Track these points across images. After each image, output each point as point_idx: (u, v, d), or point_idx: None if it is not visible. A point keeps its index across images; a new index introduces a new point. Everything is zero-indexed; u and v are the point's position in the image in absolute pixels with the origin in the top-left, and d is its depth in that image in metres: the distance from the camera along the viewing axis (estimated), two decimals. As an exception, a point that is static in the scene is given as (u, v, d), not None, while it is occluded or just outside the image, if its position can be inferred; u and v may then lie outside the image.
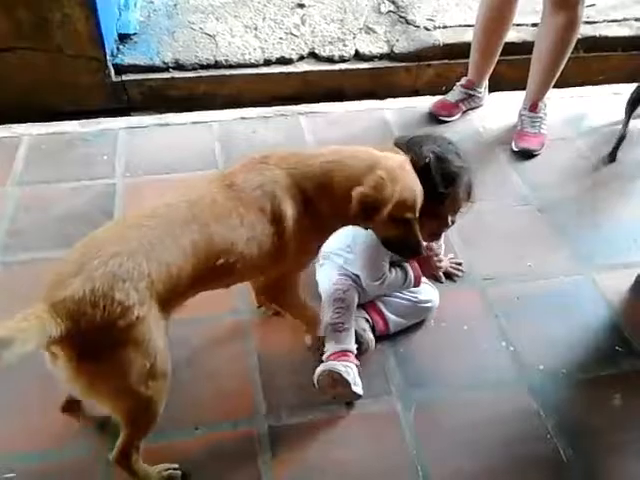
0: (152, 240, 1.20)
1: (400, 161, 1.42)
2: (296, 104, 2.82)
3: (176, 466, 1.45)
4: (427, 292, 1.83)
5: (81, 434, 1.53)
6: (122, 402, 1.24)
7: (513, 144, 2.56)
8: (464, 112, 2.76)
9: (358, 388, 1.60)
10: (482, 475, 1.50)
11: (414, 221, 1.42)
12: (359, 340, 1.68)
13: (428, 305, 1.82)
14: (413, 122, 2.71)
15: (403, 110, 2.79)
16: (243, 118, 2.69)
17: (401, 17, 3.37)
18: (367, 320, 1.75)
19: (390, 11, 3.41)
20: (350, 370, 1.59)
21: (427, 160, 1.54)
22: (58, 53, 2.72)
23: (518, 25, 3.04)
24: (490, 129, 2.69)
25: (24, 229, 2.09)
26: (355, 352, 1.65)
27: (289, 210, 1.35)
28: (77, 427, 1.53)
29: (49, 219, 2.13)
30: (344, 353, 1.63)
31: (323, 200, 1.38)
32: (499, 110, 2.79)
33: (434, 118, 2.72)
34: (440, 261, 1.94)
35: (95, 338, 1.11)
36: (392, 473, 1.51)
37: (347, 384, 1.57)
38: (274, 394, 1.64)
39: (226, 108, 2.78)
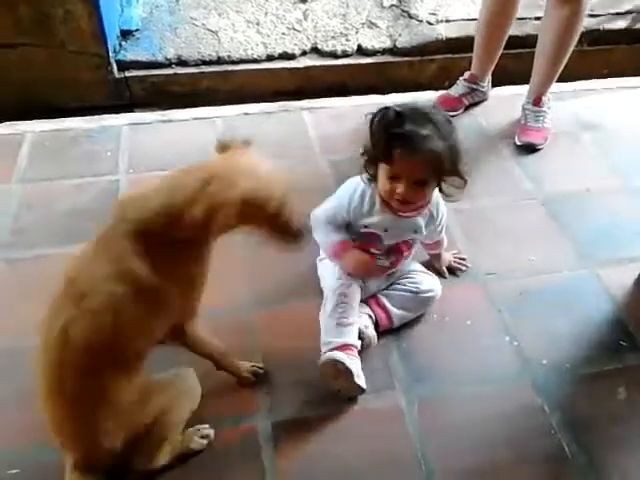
0: None
1: (237, 162, 1.34)
2: (299, 99, 2.81)
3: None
4: (428, 282, 1.83)
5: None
6: None
7: (516, 138, 2.55)
8: (467, 107, 2.75)
9: (362, 381, 1.60)
10: (487, 470, 1.50)
11: (280, 214, 1.33)
12: (361, 336, 1.67)
13: (430, 295, 1.82)
14: (416, 117, 2.69)
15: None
16: (246, 114, 2.68)
17: (404, 11, 3.36)
18: (370, 316, 1.75)
19: (393, 5, 3.40)
20: (354, 362, 1.59)
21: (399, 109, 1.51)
22: (60, 49, 2.73)
23: (521, 19, 3.01)
24: (493, 123, 2.68)
25: (28, 226, 2.09)
26: (358, 347, 1.65)
27: (149, 277, 1.25)
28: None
29: (53, 216, 2.13)
30: (348, 347, 1.62)
31: (177, 236, 1.28)
32: (502, 104, 2.77)
33: (437, 113, 2.71)
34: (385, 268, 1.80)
35: None
36: (395, 468, 1.51)
37: (351, 374, 1.57)
38: (277, 390, 1.65)
39: (229, 104, 2.78)
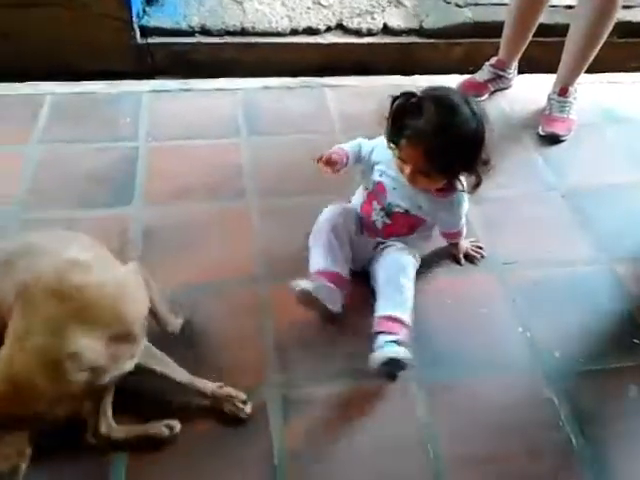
0: None
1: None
2: (321, 76, 2.78)
3: None
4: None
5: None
6: None
7: (540, 128, 2.52)
8: (492, 93, 2.71)
9: (337, 306, 1.66)
10: (493, 458, 1.50)
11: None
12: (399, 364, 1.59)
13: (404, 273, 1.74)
14: (439, 100, 2.66)
15: (430, 88, 2.74)
16: (267, 87, 2.65)
17: (432, -9, 3.30)
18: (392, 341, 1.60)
19: (421, -15, 3.34)
20: (323, 289, 1.63)
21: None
22: (84, 11, 2.69)
23: (552, 7, 2.95)
24: (517, 111, 2.64)
25: (44, 188, 2.09)
26: (342, 275, 1.68)
27: None
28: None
29: (69, 179, 2.12)
30: (324, 274, 1.67)
31: None
32: (528, 92, 2.74)
33: (461, 97, 2.68)
34: None
35: None
36: (402, 451, 1.51)
37: (321, 302, 1.62)
38: (288, 366, 1.64)
39: (250, 76, 2.75)
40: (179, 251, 1.90)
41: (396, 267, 1.72)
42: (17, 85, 2.55)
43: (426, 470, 1.47)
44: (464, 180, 1.67)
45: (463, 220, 1.83)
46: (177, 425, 1.47)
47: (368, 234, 1.80)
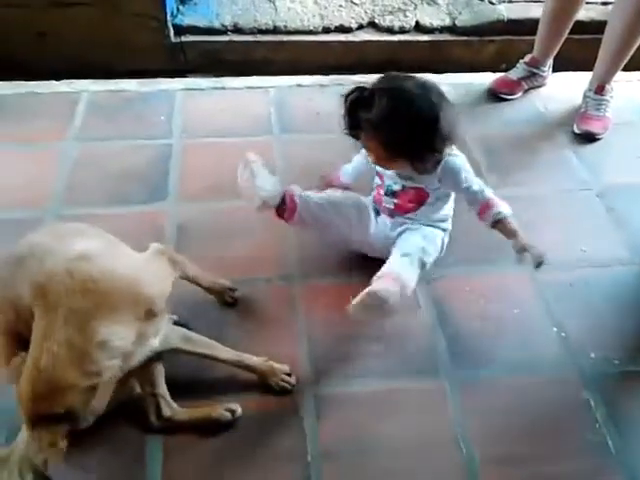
0: None
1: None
2: (353, 74, 2.77)
3: None
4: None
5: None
6: None
7: (575, 126, 2.48)
8: (526, 91, 2.68)
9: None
10: (528, 460, 1.49)
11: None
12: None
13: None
14: (472, 99, 2.64)
15: (461, 86, 2.72)
16: (299, 85, 2.66)
17: (465, -11, 3.27)
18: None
19: (454, -18, 3.31)
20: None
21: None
22: (119, 10, 2.73)
23: (587, 3, 2.91)
24: (552, 110, 2.61)
25: (81, 184, 2.12)
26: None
27: None
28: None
29: (105, 176, 2.16)
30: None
31: None
32: (562, 90, 2.70)
33: (494, 95, 2.65)
34: None
35: None
36: (434, 450, 1.50)
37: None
38: (320, 363, 1.65)
39: (282, 74, 2.76)
40: (212, 247, 1.92)
41: (411, 246, 1.70)
42: (54, 83, 2.59)
43: (459, 469, 1.47)
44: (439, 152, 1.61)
45: (477, 187, 1.65)
46: (238, 409, 1.51)
47: (386, 217, 1.82)
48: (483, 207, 1.66)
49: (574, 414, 1.58)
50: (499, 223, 1.65)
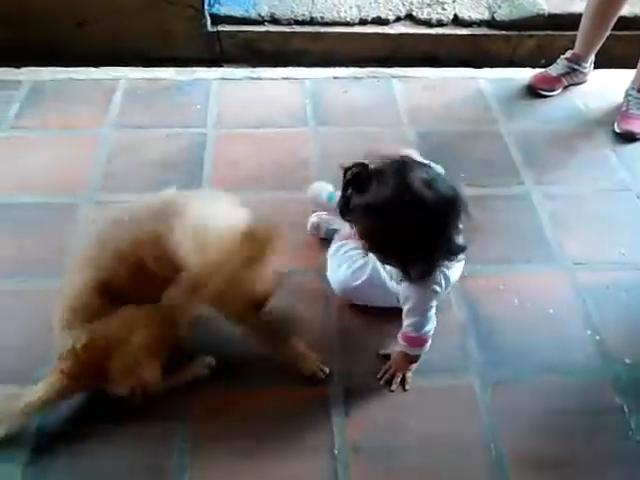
0: None
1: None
2: (389, 67, 2.75)
3: None
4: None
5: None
6: None
7: (616, 125, 2.43)
8: (565, 87, 2.63)
9: None
10: (559, 464, 1.47)
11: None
12: None
13: None
14: (510, 94, 2.61)
15: (500, 81, 2.69)
16: (335, 77, 2.65)
17: (505, -18, 3.21)
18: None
19: (494, -25, 3.25)
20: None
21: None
22: (158, -1, 2.75)
23: (632, -2, 2.85)
24: (592, 108, 2.55)
25: (117, 171, 2.15)
26: None
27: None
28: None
29: (141, 163, 2.18)
30: None
31: None
32: (604, 88, 2.64)
33: (533, 92, 2.61)
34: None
35: None
36: (463, 449, 1.49)
37: None
38: (351, 357, 1.65)
39: (318, 66, 2.75)
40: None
41: None
42: (92, 70, 2.62)
43: (489, 470, 1.46)
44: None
45: (428, 328, 1.51)
46: (212, 360, 1.59)
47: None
48: (414, 339, 1.53)
49: (607, 420, 1.56)
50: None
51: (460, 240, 1.38)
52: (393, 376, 1.59)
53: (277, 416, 1.53)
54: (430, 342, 1.54)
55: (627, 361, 1.68)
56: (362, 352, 1.66)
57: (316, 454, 1.47)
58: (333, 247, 1.81)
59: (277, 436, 1.49)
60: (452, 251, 1.37)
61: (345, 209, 1.39)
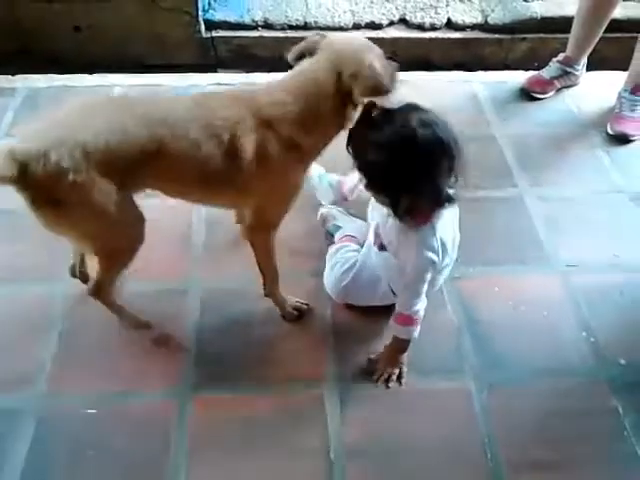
0: (101, 122, 1.36)
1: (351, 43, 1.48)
2: (383, 71, 2.76)
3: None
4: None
5: (158, 380, 1.60)
6: (86, 246, 1.52)
7: (609, 127, 2.44)
8: (558, 90, 2.64)
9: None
10: (555, 467, 1.48)
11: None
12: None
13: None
14: (504, 97, 2.62)
15: (493, 84, 2.70)
16: (329, 82, 2.65)
17: (498, -14, 3.23)
18: None
19: (487, -21, 3.27)
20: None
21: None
22: (153, 5, 2.75)
23: (624, 0, 2.86)
24: (585, 110, 2.57)
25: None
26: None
27: (248, 150, 1.41)
28: (155, 372, 1.60)
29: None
30: None
31: (306, 130, 1.45)
32: (596, 90, 2.66)
33: (526, 94, 2.62)
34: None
35: (43, 190, 1.31)
36: (459, 452, 1.50)
37: None
38: (346, 360, 1.66)
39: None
40: (242, 243, 1.93)
41: None
42: (87, 77, 2.63)
43: (485, 473, 1.46)
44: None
45: (418, 306, 1.53)
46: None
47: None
48: (405, 317, 1.56)
49: (602, 421, 1.57)
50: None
51: (450, 191, 1.42)
52: (390, 375, 1.61)
53: (273, 419, 1.53)
54: (419, 327, 1.56)
55: (622, 362, 1.69)
56: (357, 354, 1.67)
57: (312, 457, 1.47)
58: (332, 250, 1.83)
59: (273, 439, 1.50)
60: (438, 196, 1.41)
61: (349, 140, 1.48)
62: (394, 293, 1.66)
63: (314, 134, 1.48)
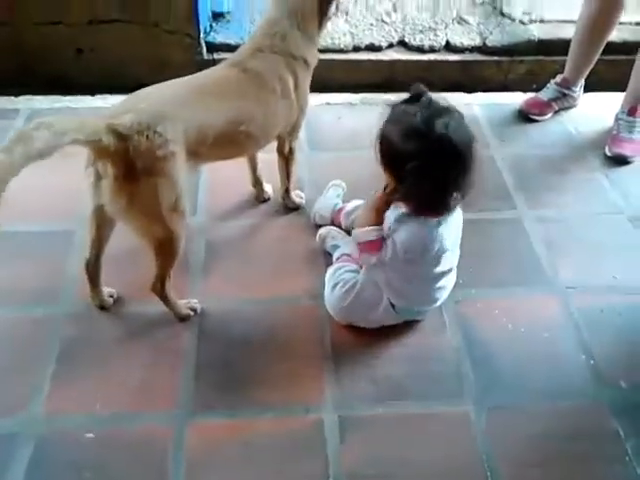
0: (188, 99, 1.56)
1: None
2: (382, 92, 2.78)
3: (195, 301, 1.79)
4: None
5: (156, 403, 1.59)
6: (153, 227, 1.54)
7: (607, 149, 2.46)
8: (556, 112, 2.66)
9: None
10: (556, 490, 1.47)
11: None
12: None
13: None
14: (502, 118, 2.64)
15: (492, 106, 2.73)
16: (329, 103, 2.68)
17: (496, 9, 3.26)
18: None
19: (485, 2, 3.31)
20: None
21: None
22: (154, 28, 2.77)
23: (620, 24, 2.87)
24: (583, 132, 2.59)
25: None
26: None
27: (291, 82, 1.77)
28: (153, 395, 1.60)
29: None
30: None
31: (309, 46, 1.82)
32: (594, 112, 2.68)
33: (524, 116, 2.64)
34: None
35: (137, 162, 1.39)
36: (459, 475, 1.49)
37: None
38: (346, 384, 1.65)
39: (311, 92, 2.76)
40: (241, 265, 1.94)
41: None
42: (89, 98, 2.65)
43: (485, 497, 1.45)
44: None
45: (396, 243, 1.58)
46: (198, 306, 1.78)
47: None
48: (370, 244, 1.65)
49: (603, 444, 1.55)
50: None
51: (452, 202, 1.54)
52: None
53: (272, 444, 1.52)
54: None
55: (622, 385, 1.68)
56: (357, 377, 1.66)
57: (311, 483, 1.46)
58: (330, 270, 1.84)
59: (272, 464, 1.48)
60: (439, 197, 1.52)
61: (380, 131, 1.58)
62: (393, 307, 1.69)
63: (312, 45, 1.84)
